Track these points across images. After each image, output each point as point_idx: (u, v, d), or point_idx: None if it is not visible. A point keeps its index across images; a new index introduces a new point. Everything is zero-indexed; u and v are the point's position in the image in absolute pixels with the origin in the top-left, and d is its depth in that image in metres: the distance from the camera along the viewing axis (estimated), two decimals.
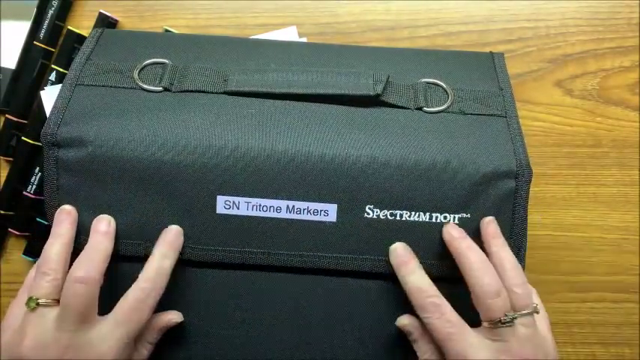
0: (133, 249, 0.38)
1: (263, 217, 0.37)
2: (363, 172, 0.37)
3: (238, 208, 0.37)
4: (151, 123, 0.38)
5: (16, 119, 0.49)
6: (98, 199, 0.37)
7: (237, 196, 0.37)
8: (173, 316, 0.38)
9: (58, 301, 0.34)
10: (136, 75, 0.40)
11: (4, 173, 0.49)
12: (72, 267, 0.35)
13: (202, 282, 0.39)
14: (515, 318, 0.35)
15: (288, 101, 0.40)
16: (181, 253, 0.38)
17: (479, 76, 0.43)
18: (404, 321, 0.38)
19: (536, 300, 0.38)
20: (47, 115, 0.47)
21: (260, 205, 0.37)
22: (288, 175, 0.37)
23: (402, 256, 0.37)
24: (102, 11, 0.49)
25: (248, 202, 0.37)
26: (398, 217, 0.37)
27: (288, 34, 0.50)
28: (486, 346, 0.35)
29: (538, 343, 0.35)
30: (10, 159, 0.49)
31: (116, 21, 0.50)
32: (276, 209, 0.37)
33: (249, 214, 0.37)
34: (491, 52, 0.46)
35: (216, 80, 0.40)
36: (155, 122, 0.38)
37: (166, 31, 0.49)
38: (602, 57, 0.50)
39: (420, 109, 0.40)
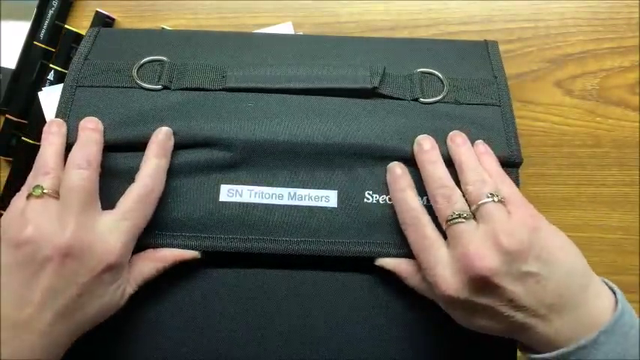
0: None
1: (265, 204, 0.38)
2: (361, 159, 0.38)
3: (241, 196, 0.38)
4: (155, 124, 0.38)
5: (16, 119, 0.49)
6: (104, 200, 0.37)
7: (241, 184, 0.38)
8: (186, 253, 0.37)
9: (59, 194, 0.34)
10: (134, 73, 0.40)
11: (4, 173, 0.50)
12: (68, 159, 0.35)
13: (203, 279, 0.39)
14: (462, 215, 0.33)
15: (286, 95, 0.40)
16: (184, 245, 0.38)
17: (473, 65, 0.43)
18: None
19: (507, 189, 0.35)
20: (46, 116, 0.47)
21: (262, 193, 0.38)
22: (290, 162, 0.38)
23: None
24: (99, 10, 0.49)
25: (251, 190, 0.38)
26: None
27: (284, 30, 0.50)
28: (449, 258, 0.34)
29: (490, 232, 0.32)
30: (10, 159, 0.50)
31: (113, 19, 0.50)
32: (278, 196, 0.38)
33: (252, 202, 0.38)
34: (485, 40, 0.46)
35: (215, 77, 0.41)
36: (158, 122, 0.38)
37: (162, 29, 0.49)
38: (602, 57, 0.50)
39: (416, 99, 0.41)
